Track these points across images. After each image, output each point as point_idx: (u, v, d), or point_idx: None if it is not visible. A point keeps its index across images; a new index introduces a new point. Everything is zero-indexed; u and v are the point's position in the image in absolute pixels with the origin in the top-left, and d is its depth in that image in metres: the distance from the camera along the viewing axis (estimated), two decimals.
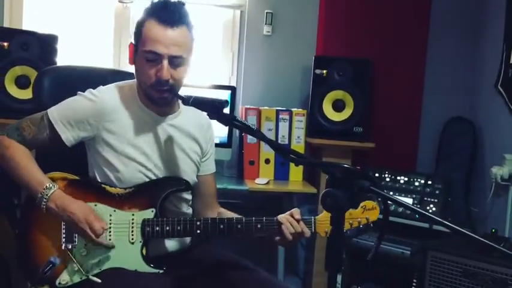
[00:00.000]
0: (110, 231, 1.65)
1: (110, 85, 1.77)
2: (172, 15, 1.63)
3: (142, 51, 1.64)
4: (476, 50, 3.33)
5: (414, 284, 2.50)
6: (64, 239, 1.64)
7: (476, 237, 1.11)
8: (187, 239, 1.85)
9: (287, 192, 2.94)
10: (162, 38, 1.61)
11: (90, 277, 1.61)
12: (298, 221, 1.65)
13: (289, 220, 1.65)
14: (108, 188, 1.70)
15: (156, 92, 1.66)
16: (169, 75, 1.63)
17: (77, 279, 1.62)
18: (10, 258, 2.34)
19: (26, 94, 2.67)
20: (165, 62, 1.62)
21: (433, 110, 3.35)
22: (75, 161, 1.75)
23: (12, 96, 2.65)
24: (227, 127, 2.83)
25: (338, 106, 2.95)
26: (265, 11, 3.18)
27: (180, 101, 1.74)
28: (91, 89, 1.73)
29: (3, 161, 1.68)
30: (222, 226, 1.67)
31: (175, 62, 1.64)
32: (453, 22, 3.34)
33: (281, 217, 1.67)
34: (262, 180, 2.89)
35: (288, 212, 1.68)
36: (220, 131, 2.81)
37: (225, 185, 2.74)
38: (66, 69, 2.12)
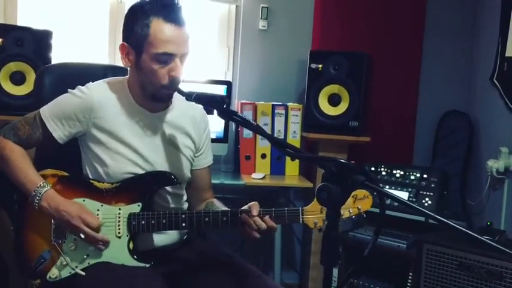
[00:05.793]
0: None
1: (99, 81, 1.76)
2: (179, 13, 1.63)
3: (154, 53, 1.61)
4: (471, 44, 3.34)
5: (410, 277, 2.52)
6: (54, 234, 1.66)
7: (465, 230, 1.10)
8: (182, 234, 1.85)
9: (283, 187, 2.96)
10: (175, 38, 1.61)
11: (76, 270, 1.63)
12: (261, 218, 1.60)
13: (253, 219, 1.59)
14: (96, 183, 1.70)
15: (167, 90, 1.66)
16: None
17: (65, 273, 1.64)
18: (8, 256, 2.34)
19: (21, 90, 2.66)
20: (178, 61, 1.63)
21: (429, 104, 3.36)
22: (71, 159, 1.76)
23: (7, 93, 2.64)
24: (223, 122, 2.85)
25: (334, 100, 2.95)
26: (261, 5, 3.18)
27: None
28: (80, 86, 1.73)
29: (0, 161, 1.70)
30: (207, 219, 1.66)
31: (183, 59, 1.66)
32: (449, 16, 3.35)
33: (243, 216, 1.62)
34: (259, 175, 2.89)
35: (246, 206, 1.63)
36: (216, 126, 2.82)
37: (222, 179, 2.75)
38: (67, 66, 2.10)
